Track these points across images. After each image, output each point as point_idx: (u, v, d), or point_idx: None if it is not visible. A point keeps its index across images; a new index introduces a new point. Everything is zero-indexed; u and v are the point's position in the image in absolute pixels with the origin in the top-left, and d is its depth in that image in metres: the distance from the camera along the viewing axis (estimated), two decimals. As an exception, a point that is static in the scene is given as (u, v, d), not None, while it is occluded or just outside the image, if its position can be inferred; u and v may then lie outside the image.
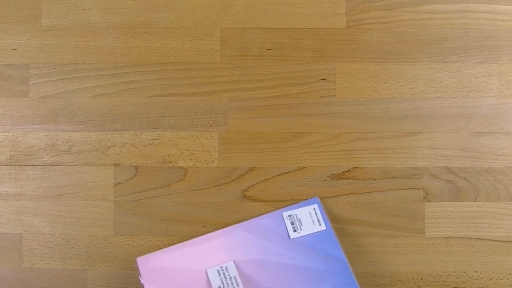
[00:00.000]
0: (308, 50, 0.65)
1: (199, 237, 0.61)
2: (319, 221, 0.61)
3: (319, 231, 0.60)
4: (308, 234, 0.60)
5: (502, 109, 0.64)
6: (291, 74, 0.65)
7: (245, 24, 0.66)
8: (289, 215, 0.61)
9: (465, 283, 0.64)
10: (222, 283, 0.58)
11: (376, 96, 0.65)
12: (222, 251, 0.60)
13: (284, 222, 0.61)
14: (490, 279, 0.64)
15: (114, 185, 0.65)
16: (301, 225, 0.61)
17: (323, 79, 0.65)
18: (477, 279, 0.64)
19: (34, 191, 0.66)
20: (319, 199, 0.62)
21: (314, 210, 0.61)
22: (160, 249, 0.65)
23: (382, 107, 0.65)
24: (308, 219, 0.61)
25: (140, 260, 0.60)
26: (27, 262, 0.66)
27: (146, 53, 0.66)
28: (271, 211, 0.64)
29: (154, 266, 0.60)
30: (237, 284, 0.58)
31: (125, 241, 0.65)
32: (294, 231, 0.60)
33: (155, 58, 0.66)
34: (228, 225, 0.64)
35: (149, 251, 0.65)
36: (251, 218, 0.64)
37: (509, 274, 0.63)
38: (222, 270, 0.59)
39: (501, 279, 0.64)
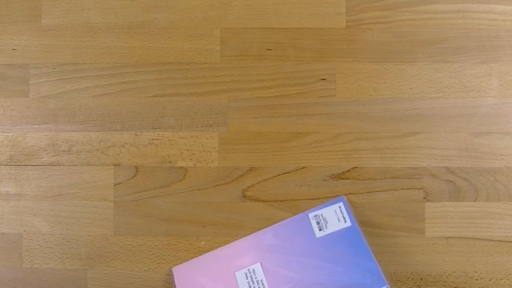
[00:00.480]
0: (308, 50, 0.65)
1: (229, 244, 0.62)
2: (344, 218, 0.60)
3: (344, 228, 0.60)
4: (334, 232, 0.60)
5: (502, 109, 0.64)
6: (291, 74, 0.65)
7: (245, 24, 0.66)
8: (315, 215, 0.61)
9: (465, 283, 0.64)
10: (250, 286, 0.58)
11: (376, 96, 0.65)
12: (250, 254, 0.61)
13: (310, 222, 0.61)
14: (490, 279, 0.64)
15: (114, 185, 0.65)
16: (327, 223, 0.60)
17: (323, 79, 0.65)
18: (477, 279, 0.64)
19: (34, 191, 0.66)
20: (344, 198, 0.62)
21: (340, 208, 0.61)
22: (160, 249, 0.65)
23: (382, 107, 0.65)
24: (334, 217, 0.61)
25: (175, 270, 0.62)
26: (27, 262, 0.66)
27: (146, 53, 0.66)
28: (272, 211, 0.64)
29: (188, 274, 0.61)
30: (264, 287, 0.58)
31: (125, 241, 0.65)
32: (320, 230, 0.60)
33: (155, 58, 0.66)
34: (228, 225, 0.65)
35: (149, 251, 0.65)
36: (251, 218, 0.64)
37: (509, 274, 0.63)
38: (250, 272, 0.59)
39: (501, 279, 0.64)
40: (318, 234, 0.60)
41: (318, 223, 0.61)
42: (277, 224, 0.62)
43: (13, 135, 0.66)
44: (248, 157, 0.65)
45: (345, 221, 0.60)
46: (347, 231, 0.59)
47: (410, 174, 0.64)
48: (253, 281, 0.59)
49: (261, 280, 0.59)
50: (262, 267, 0.59)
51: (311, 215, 0.62)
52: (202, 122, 0.65)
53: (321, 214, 0.61)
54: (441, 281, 0.64)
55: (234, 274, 0.60)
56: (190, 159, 0.65)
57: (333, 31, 0.65)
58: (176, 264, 0.65)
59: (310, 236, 0.60)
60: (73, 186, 0.66)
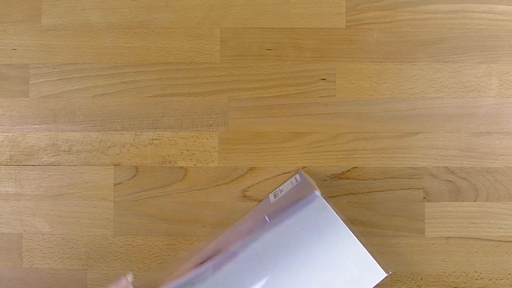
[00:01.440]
0: (308, 50, 0.65)
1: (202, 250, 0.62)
2: (296, 180, 0.60)
3: (295, 185, 0.59)
4: (285, 193, 0.59)
5: (502, 109, 0.64)
6: (291, 74, 0.65)
7: (245, 24, 0.66)
8: (274, 192, 0.62)
9: (465, 283, 0.64)
10: None
11: (376, 96, 0.65)
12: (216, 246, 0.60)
13: (269, 199, 0.61)
14: (490, 279, 0.64)
15: (114, 185, 0.65)
16: (282, 191, 0.61)
17: (323, 79, 0.65)
18: (477, 279, 0.64)
19: (34, 191, 0.66)
20: (301, 171, 0.62)
21: (295, 179, 0.61)
22: (160, 249, 0.65)
23: (382, 107, 0.65)
24: (289, 185, 0.61)
25: None
26: (27, 262, 0.66)
27: (146, 53, 0.66)
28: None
29: None
30: None
31: (125, 241, 0.65)
32: (275, 197, 0.60)
33: (155, 58, 0.66)
34: (228, 225, 0.64)
35: (149, 251, 0.65)
36: (251, 218, 0.64)
37: (509, 274, 0.63)
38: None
39: (501, 279, 0.63)
40: (273, 200, 0.60)
41: (275, 195, 0.61)
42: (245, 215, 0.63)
43: (13, 135, 0.66)
44: (248, 157, 0.65)
45: (297, 181, 0.60)
46: (296, 186, 0.59)
47: (410, 174, 0.64)
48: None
49: None
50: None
51: (271, 194, 0.62)
52: (202, 122, 0.65)
53: (279, 189, 0.61)
54: (441, 281, 0.64)
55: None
56: (190, 159, 0.65)
57: (333, 31, 0.65)
58: (176, 265, 0.65)
59: (267, 205, 0.60)
60: (73, 186, 0.66)
